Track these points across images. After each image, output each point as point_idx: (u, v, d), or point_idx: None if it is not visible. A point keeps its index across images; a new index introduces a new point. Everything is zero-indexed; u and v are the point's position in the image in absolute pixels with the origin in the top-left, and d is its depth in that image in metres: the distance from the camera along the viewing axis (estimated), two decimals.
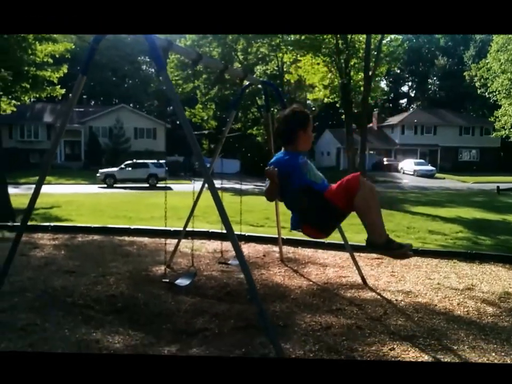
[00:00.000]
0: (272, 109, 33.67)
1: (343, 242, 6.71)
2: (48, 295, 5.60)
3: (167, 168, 34.30)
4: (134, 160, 34.54)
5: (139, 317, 5.00)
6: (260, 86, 10.29)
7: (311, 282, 6.42)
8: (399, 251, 3.40)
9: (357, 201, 3.27)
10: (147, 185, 32.71)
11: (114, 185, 31.76)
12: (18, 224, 10.18)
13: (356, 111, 25.12)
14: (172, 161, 42.06)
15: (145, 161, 34.32)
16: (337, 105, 25.97)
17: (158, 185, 32.72)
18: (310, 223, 3.59)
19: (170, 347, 4.19)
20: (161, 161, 33.91)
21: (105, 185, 31.27)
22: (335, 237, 8.84)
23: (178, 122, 52.83)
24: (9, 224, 10.65)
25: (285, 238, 8.67)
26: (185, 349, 4.14)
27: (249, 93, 33.99)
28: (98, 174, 32.85)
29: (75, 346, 4.14)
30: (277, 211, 7.73)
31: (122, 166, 33.97)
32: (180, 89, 39.33)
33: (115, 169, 33.74)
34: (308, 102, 45.45)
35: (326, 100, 27.32)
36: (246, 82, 7.01)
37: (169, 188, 22.90)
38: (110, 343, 4.26)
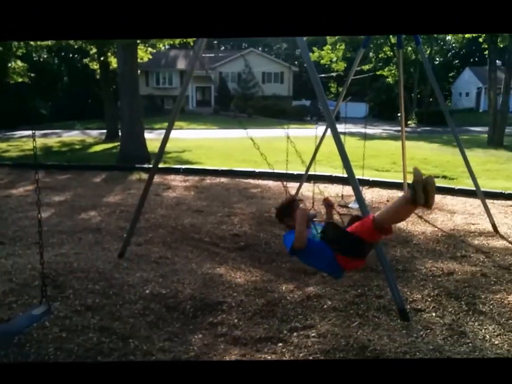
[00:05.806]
0: (405, 46, 31.44)
1: (474, 188, 6.29)
2: (178, 232, 6.05)
3: None
4: None
5: (260, 255, 5.22)
6: None
7: (436, 229, 6.16)
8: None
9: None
10: None
11: None
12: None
13: (501, 45, 22.52)
14: (298, 105, 41.66)
15: None
16: (481, 39, 23.33)
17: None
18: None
19: (288, 285, 4.34)
20: None
21: None
22: (466, 183, 8.33)
23: (305, 65, 51.96)
24: (145, 166, 11.55)
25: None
26: (303, 287, 4.27)
27: None
28: None
29: (201, 279, 4.45)
30: (404, 155, 7.42)
31: None
32: None
33: None
34: (448, 37, 41.62)
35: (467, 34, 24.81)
36: None
37: None
38: (232, 278, 4.53)
